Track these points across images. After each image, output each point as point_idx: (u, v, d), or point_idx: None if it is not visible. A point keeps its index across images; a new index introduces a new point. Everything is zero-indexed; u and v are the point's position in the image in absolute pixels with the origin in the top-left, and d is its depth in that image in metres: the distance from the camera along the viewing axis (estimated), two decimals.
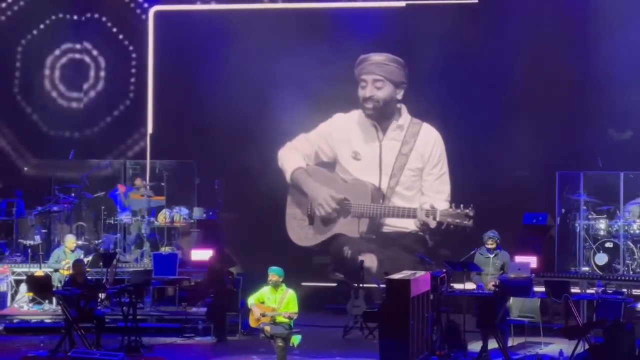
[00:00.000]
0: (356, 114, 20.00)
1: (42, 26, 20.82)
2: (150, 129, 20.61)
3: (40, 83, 21.02)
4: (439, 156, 19.63)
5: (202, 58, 20.11)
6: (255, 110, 19.78)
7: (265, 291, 13.85)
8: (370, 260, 19.32)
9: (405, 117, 19.84)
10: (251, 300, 13.88)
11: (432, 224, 19.07)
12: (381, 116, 19.85)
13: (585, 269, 17.67)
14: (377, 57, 19.79)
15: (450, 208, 18.88)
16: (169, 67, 20.46)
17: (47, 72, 20.99)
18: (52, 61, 21.03)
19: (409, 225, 19.56)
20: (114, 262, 17.46)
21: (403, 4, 19.93)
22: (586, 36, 18.87)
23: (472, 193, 18.86)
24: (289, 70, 19.50)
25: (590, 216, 17.99)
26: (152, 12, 20.70)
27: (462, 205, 18.59)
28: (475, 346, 15.04)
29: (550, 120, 19.03)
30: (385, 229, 19.74)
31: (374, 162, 19.81)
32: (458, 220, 18.62)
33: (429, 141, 19.71)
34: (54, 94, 21.13)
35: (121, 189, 19.59)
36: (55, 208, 19.45)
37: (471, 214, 18.49)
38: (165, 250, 18.95)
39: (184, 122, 20.22)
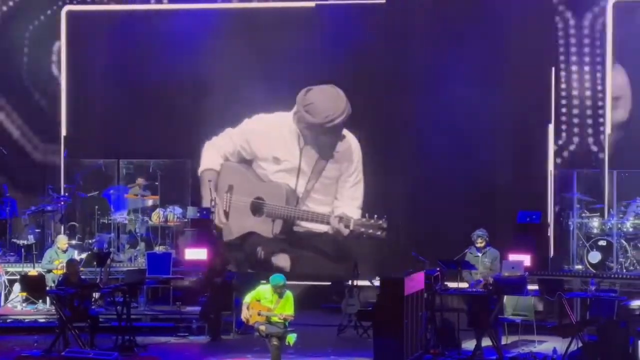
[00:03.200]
0: (280, 116, 19.99)
1: (49, 12, 20.88)
2: (64, 130, 20.68)
3: (48, 69, 20.98)
4: (356, 164, 19.74)
5: (136, 56, 20.22)
6: (183, 107, 20.04)
7: (263, 290, 13.76)
8: (283, 261, 19.55)
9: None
10: (247, 298, 13.83)
11: (345, 232, 19.20)
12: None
13: (579, 267, 17.70)
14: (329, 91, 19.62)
15: (364, 218, 18.95)
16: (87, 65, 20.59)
17: (54, 58, 20.96)
18: (59, 48, 21.00)
19: (322, 227, 19.72)
20: (108, 261, 17.45)
21: (313, 4, 20.06)
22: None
23: (385, 203, 19.10)
24: (218, 68, 19.82)
25: (583, 214, 18.03)
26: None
27: (376, 216, 18.65)
28: (469, 344, 15.06)
29: None
30: (296, 229, 19.89)
31: (293, 165, 19.90)
32: (371, 231, 18.69)
33: (348, 149, 19.76)
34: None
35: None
36: (49, 207, 19.43)
37: (384, 225, 18.56)
38: (159, 249, 18.94)
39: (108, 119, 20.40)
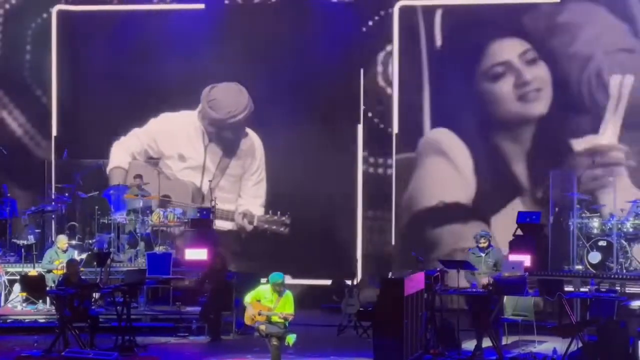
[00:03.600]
0: (185, 115, 20.63)
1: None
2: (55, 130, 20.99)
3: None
4: (259, 162, 20.37)
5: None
6: (90, 106, 20.52)
7: (263, 289, 13.77)
8: None
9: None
10: (247, 298, 13.85)
11: (249, 228, 19.97)
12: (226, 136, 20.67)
13: (579, 267, 17.69)
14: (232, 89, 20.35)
15: (267, 214, 19.80)
16: None
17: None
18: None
19: (226, 225, 20.26)
20: (108, 261, 17.44)
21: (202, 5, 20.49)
22: None
23: (289, 201, 19.72)
24: (126, 67, 20.26)
25: (583, 214, 18.02)
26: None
27: (279, 212, 19.57)
28: (469, 345, 15.07)
29: None
30: None
31: (198, 163, 20.43)
32: (274, 227, 19.77)
33: (251, 146, 20.41)
34: None
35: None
36: (49, 208, 19.42)
37: (287, 221, 19.61)
38: (159, 249, 18.93)
39: None
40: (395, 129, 20.05)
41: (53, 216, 19.54)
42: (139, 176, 19.67)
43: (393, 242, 19.91)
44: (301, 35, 19.96)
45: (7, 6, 20.85)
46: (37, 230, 19.17)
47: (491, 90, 19.62)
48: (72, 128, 20.91)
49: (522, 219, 17.98)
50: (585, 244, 17.65)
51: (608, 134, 19.13)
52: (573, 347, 14.23)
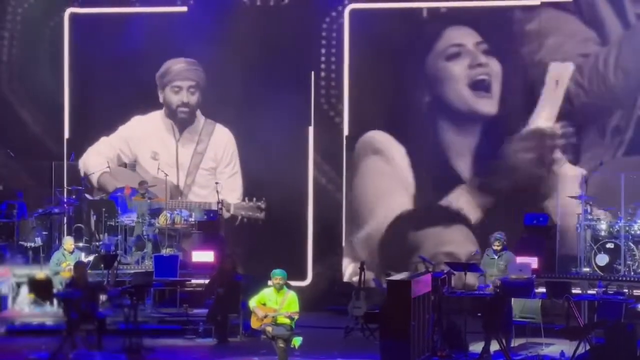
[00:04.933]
0: (155, 116, 20.85)
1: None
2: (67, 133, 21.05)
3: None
4: (231, 155, 20.59)
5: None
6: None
7: (267, 293, 13.86)
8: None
9: (199, 118, 20.78)
10: (252, 302, 13.88)
11: (226, 216, 20.07)
12: (187, 120, 20.82)
13: (586, 269, 17.65)
14: (186, 63, 20.68)
15: (243, 201, 20.14)
16: None
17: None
18: None
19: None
20: (115, 264, 17.45)
21: (185, 8, 20.61)
22: None
23: (264, 188, 19.95)
24: (92, 74, 20.54)
25: (590, 217, 17.97)
26: None
27: (254, 199, 19.93)
28: (476, 347, 15.04)
29: None
30: None
31: (172, 161, 20.60)
32: (250, 213, 20.05)
33: (222, 141, 20.68)
34: None
35: (127, 190, 19.65)
36: (56, 210, 19.44)
37: (263, 206, 19.95)
38: (166, 252, 18.94)
39: None
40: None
41: (63, 218, 19.51)
42: (144, 182, 19.74)
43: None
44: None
45: (20, 10, 20.92)
46: (44, 233, 19.19)
47: (445, 68, 19.71)
48: (83, 130, 20.91)
49: (529, 221, 17.95)
50: (593, 246, 17.61)
51: (543, 117, 19.22)
52: (581, 350, 14.20)
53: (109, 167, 20.43)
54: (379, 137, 20.07)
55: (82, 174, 20.46)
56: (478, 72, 19.56)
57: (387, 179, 19.99)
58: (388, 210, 19.91)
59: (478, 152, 19.59)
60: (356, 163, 20.12)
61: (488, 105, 19.55)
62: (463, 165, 19.67)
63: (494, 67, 19.53)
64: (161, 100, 20.84)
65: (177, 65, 20.71)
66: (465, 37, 19.68)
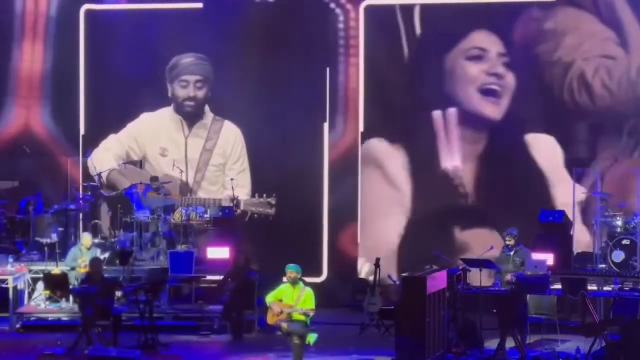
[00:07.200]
0: (163, 112, 20.83)
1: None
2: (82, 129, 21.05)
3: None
4: (240, 152, 20.57)
5: None
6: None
7: (283, 288, 13.88)
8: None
9: (208, 114, 20.76)
10: (269, 298, 13.91)
11: (236, 213, 19.89)
12: (194, 114, 20.80)
13: (602, 266, 17.60)
14: (194, 58, 20.67)
15: (253, 197, 20.00)
16: None
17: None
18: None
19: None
20: (131, 260, 17.48)
21: (200, 4, 20.54)
22: None
23: (274, 185, 19.86)
24: (98, 71, 20.50)
25: (606, 213, 17.92)
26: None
27: (264, 195, 19.73)
28: (491, 343, 15.02)
29: None
30: None
31: (181, 158, 20.56)
32: (261, 209, 19.87)
33: (230, 138, 20.66)
34: None
35: (140, 187, 19.67)
36: (72, 206, 19.49)
37: (273, 202, 19.78)
38: (181, 248, 18.96)
39: None
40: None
41: (79, 214, 19.56)
42: (155, 178, 19.78)
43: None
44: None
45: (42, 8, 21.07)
46: (60, 229, 19.23)
47: (463, 65, 19.73)
48: (98, 127, 20.97)
49: (545, 217, 17.90)
50: (609, 243, 17.56)
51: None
52: (596, 346, 14.19)
53: (124, 163, 20.44)
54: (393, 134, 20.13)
55: (91, 171, 20.46)
56: (492, 81, 19.57)
57: (404, 176, 19.99)
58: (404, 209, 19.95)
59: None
60: (371, 160, 20.13)
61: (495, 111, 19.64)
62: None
63: (509, 80, 19.55)
64: (170, 94, 20.85)
65: (185, 59, 20.71)
66: (490, 44, 19.65)
